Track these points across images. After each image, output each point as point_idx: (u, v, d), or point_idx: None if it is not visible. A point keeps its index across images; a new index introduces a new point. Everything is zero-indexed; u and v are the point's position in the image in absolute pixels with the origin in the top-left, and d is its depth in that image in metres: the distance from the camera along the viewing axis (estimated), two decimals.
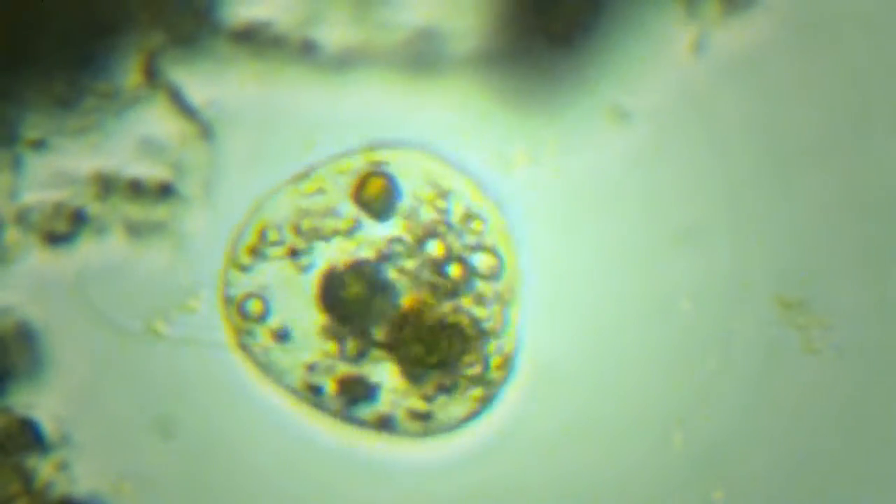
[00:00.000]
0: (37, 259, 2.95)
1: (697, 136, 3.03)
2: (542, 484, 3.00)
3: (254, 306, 2.94)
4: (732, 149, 3.03)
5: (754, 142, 3.03)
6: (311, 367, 2.93)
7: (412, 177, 2.98)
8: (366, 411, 2.95)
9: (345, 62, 2.98)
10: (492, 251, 2.99)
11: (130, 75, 2.94)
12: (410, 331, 2.92)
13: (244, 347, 2.95)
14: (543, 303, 3.01)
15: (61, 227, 2.95)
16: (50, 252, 2.95)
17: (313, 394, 2.94)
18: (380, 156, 2.97)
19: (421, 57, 2.99)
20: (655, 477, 2.99)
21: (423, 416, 2.95)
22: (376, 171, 2.95)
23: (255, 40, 2.97)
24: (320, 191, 2.96)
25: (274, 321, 2.95)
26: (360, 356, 2.92)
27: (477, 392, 2.96)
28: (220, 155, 2.98)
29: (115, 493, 2.94)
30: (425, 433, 2.95)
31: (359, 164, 2.96)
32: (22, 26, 2.92)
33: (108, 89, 2.94)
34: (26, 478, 2.92)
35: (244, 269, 2.94)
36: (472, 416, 2.96)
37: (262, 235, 2.95)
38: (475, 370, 2.95)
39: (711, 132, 3.03)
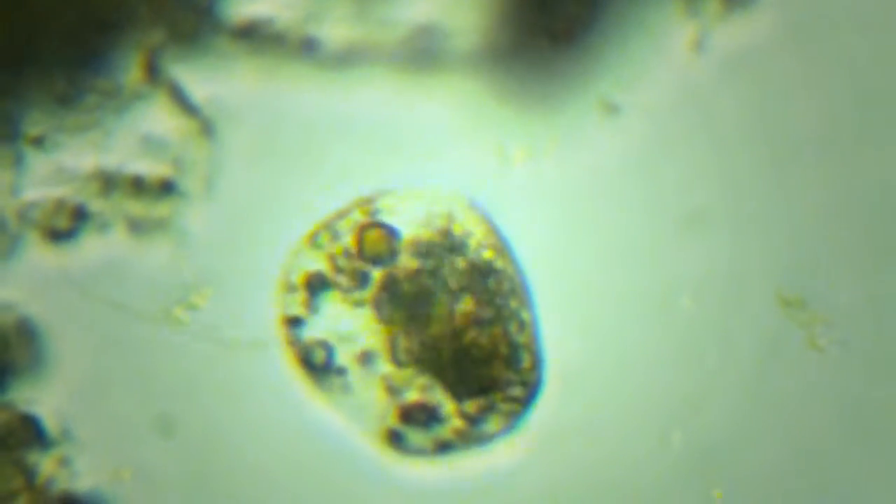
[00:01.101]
0: (38, 255, 2.96)
1: (697, 133, 3.03)
2: (540, 483, 3.00)
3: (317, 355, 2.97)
4: (732, 146, 3.03)
5: (754, 139, 3.03)
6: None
7: (405, 212, 2.99)
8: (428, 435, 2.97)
9: (346, 59, 2.99)
10: (497, 260, 3.00)
11: (131, 72, 2.95)
12: (447, 355, 2.95)
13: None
14: (542, 303, 3.01)
15: (63, 223, 2.95)
16: (51, 248, 2.96)
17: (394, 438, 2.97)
18: (370, 206, 2.98)
19: (421, 54, 2.99)
20: (654, 475, 2.99)
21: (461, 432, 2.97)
22: (370, 224, 2.96)
23: (256, 37, 2.97)
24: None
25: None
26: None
27: (510, 406, 2.98)
28: (221, 152, 2.98)
29: (116, 481, 2.94)
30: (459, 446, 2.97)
31: (354, 218, 2.98)
32: (23, 24, 2.92)
33: (109, 86, 2.94)
34: (28, 473, 2.92)
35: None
36: (505, 430, 2.98)
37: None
38: (515, 389, 2.98)
39: (711, 129, 3.03)
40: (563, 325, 3.01)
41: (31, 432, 2.93)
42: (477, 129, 3.00)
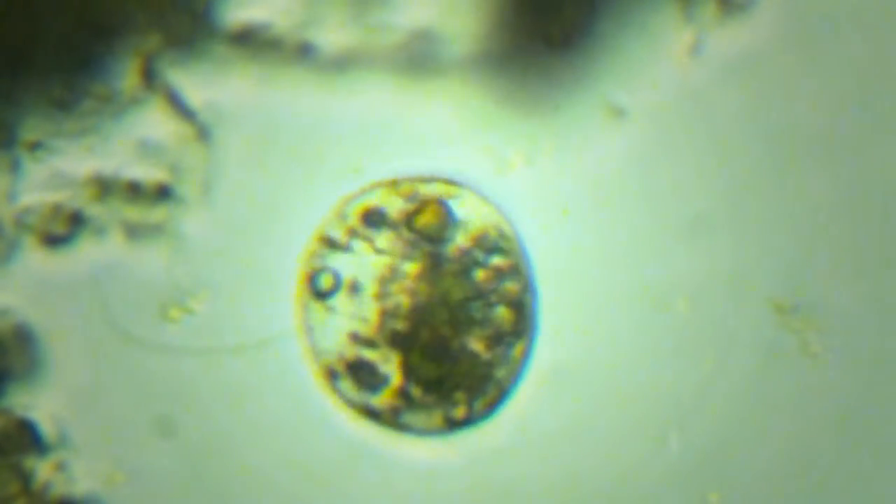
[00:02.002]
0: (35, 260, 2.96)
1: (695, 138, 3.02)
2: (537, 485, 3.00)
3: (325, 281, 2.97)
4: (730, 150, 3.03)
5: (752, 143, 3.03)
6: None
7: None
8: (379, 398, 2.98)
9: (342, 64, 2.98)
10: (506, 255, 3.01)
11: (128, 77, 2.95)
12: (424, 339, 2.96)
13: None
14: (540, 304, 3.01)
15: (60, 228, 2.95)
16: (48, 253, 2.96)
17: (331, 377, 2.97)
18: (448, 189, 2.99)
19: (418, 58, 2.99)
20: (651, 478, 2.99)
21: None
22: (434, 200, 2.97)
23: (253, 42, 2.97)
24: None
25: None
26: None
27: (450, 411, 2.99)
28: (218, 157, 2.98)
29: (112, 486, 2.95)
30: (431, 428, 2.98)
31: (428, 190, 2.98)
32: (19, 29, 2.92)
33: (106, 92, 2.94)
34: (25, 478, 2.93)
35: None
36: (432, 431, 2.99)
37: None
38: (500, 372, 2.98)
39: (709, 134, 3.03)
40: (561, 326, 3.01)
41: (27, 437, 2.93)
42: (474, 134, 3.00)
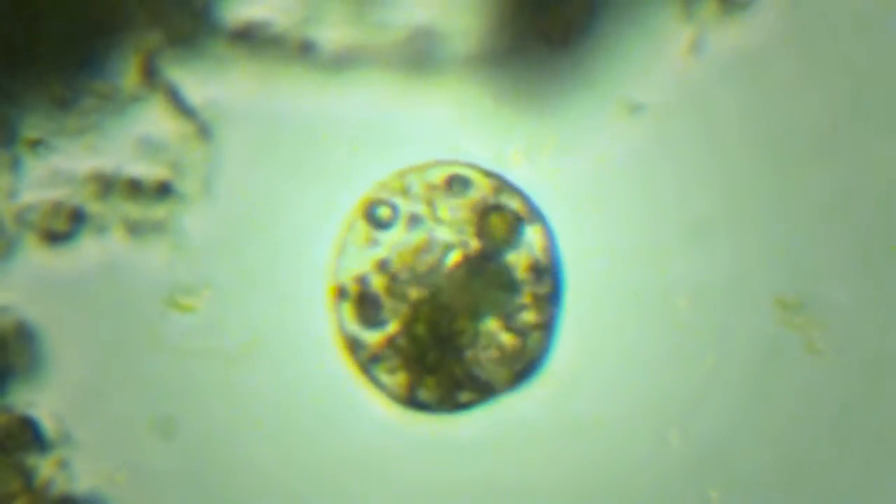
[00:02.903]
0: (36, 258, 2.96)
1: (696, 136, 3.03)
2: (538, 483, 3.01)
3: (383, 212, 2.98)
4: (731, 149, 3.03)
5: (753, 142, 3.03)
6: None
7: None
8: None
9: (343, 62, 2.98)
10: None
11: (129, 75, 2.94)
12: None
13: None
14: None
15: (60, 226, 2.95)
16: (49, 251, 2.96)
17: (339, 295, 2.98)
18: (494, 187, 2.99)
19: (418, 57, 2.98)
20: (652, 476, 3.00)
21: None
22: (513, 213, 2.98)
23: (254, 40, 2.97)
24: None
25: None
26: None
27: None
28: (219, 154, 2.98)
29: (110, 481, 2.95)
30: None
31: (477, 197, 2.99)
32: (20, 27, 2.92)
33: (107, 89, 2.94)
34: (26, 476, 2.93)
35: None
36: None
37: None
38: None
39: (710, 132, 3.03)
40: (562, 325, 3.01)
41: (29, 435, 2.93)
42: (474, 132, 3.00)
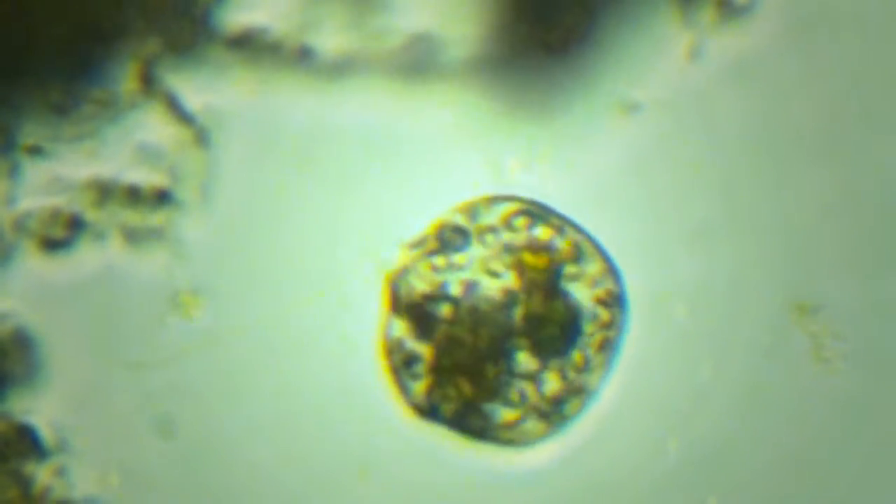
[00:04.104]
0: (34, 265, 2.96)
1: (696, 142, 3.03)
2: (536, 489, 3.01)
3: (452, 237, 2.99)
4: (730, 153, 3.03)
5: (753, 146, 3.03)
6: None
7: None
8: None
9: (341, 68, 2.98)
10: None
11: (127, 82, 2.95)
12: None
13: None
14: None
15: (58, 233, 2.95)
16: (47, 258, 2.96)
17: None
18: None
19: (417, 63, 2.99)
20: (651, 482, 2.99)
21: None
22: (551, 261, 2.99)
23: (252, 47, 2.97)
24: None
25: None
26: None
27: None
28: (217, 161, 2.98)
29: (110, 489, 2.95)
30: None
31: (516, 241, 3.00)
32: (19, 33, 2.92)
33: (105, 96, 2.94)
34: (24, 483, 2.93)
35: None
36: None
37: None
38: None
39: (710, 138, 3.03)
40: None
41: (27, 442, 2.93)
42: (473, 139, 3.00)
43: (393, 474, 2.99)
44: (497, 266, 2.96)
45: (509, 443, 2.97)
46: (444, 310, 2.97)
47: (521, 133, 2.99)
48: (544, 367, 2.96)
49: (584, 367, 2.97)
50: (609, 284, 2.99)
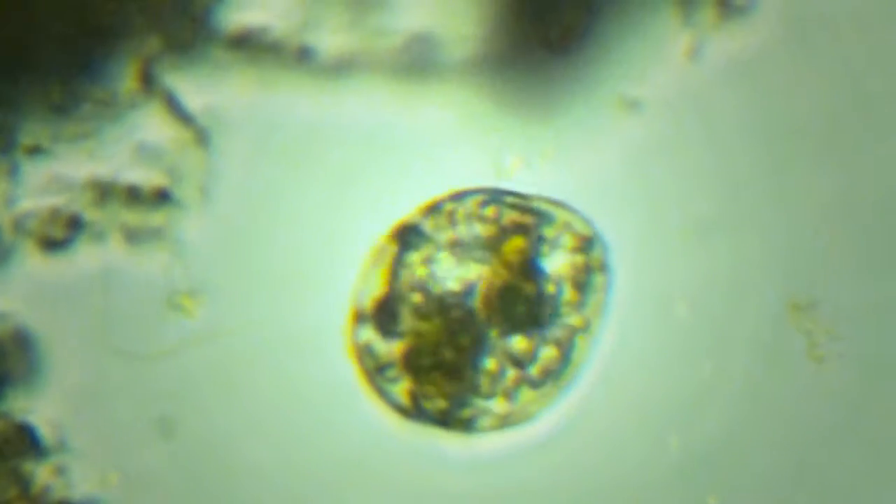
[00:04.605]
0: (33, 265, 2.96)
1: (695, 141, 3.03)
2: (535, 486, 3.01)
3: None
4: (731, 153, 3.03)
5: (753, 146, 3.03)
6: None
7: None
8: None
9: (341, 68, 2.99)
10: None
11: (127, 81, 2.95)
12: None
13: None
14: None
15: (58, 232, 2.95)
16: (47, 258, 2.96)
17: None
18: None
19: (417, 62, 2.99)
20: (651, 481, 2.99)
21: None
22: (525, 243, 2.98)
23: (252, 46, 2.97)
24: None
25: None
26: None
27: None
28: (217, 161, 2.98)
29: (108, 488, 2.94)
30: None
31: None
32: (18, 32, 2.92)
33: (105, 95, 2.94)
34: (23, 483, 2.92)
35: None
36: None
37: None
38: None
39: (710, 138, 3.03)
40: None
41: (26, 442, 2.93)
42: (473, 138, 3.00)
43: (393, 474, 3.00)
44: (464, 259, 2.96)
45: (505, 424, 2.97)
46: (409, 309, 2.96)
47: (520, 131, 2.99)
48: (528, 341, 2.97)
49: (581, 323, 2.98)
50: (580, 229, 2.99)
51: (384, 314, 2.96)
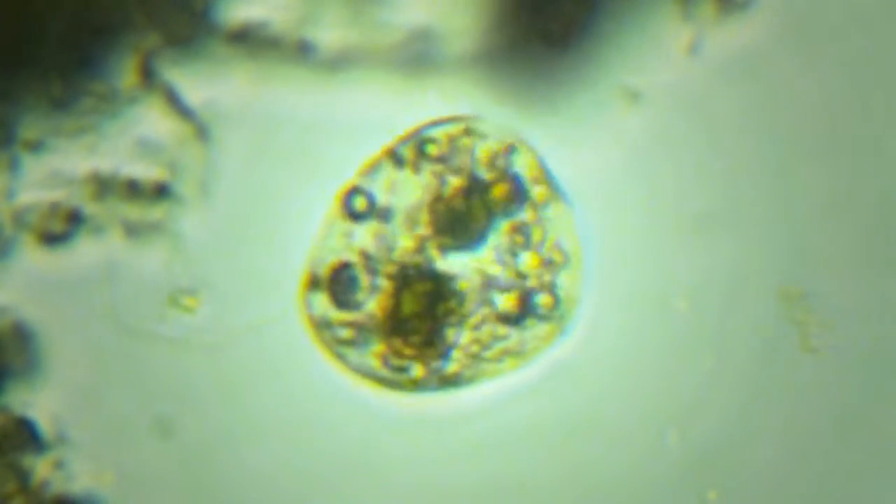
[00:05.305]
0: (33, 259, 2.96)
1: (694, 135, 3.03)
2: (536, 482, 3.00)
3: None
4: (730, 148, 3.03)
5: (752, 141, 3.03)
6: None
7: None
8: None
9: (341, 62, 2.99)
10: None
11: (127, 76, 2.95)
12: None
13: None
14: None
15: (58, 227, 2.96)
16: (47, 252, 2.96)
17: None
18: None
19: (417, 57, 2.99)
20: (650, 476, 2.99)
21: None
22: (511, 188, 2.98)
23: (251, 41, 2.97)
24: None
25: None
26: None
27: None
28: (216, 155, 2.98)
29: (107, 481, 2.95)
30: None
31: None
32: (19, 27, 2.92)
33: (105, 90, 2.94)
34: (23, 476, 2.93)
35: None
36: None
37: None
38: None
39: (708, 132, 3.03)
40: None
41: (26, 435, 2.93)
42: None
43: (393, 474, 3.00)
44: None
45: (505, 364, 2.97)
46: (366, 276, 2.96)
47: (521, 126, 3.00)
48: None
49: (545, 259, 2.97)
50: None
51: (341, 284, 2.96)
